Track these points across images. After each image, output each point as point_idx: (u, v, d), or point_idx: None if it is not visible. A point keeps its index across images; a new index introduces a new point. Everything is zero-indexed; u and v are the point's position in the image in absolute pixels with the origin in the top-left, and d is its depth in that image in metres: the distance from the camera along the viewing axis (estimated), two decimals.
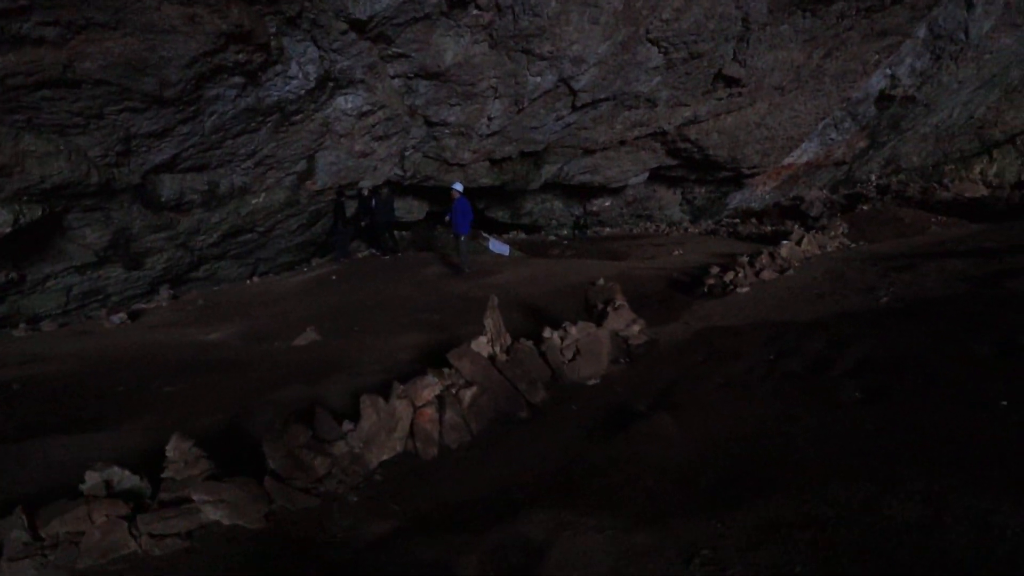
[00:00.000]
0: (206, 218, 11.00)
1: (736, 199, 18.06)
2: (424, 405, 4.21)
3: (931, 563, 2.34)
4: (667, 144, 14.71)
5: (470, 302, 8.12)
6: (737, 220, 17.98)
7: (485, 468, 4.00)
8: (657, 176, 16.71)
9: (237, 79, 9.07)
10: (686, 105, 13.31)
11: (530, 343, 5.24)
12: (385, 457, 4.02)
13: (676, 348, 6.06)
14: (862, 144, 16.86)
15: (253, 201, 11.48)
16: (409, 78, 11.10)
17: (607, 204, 17.82)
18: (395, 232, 14.01)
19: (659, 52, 11.63)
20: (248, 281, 12.63)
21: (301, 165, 11.59)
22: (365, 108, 11.12)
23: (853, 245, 11.06)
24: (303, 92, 10.11)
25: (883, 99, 15.25)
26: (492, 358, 4.87)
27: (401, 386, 4.26)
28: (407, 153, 12.93)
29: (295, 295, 9.93)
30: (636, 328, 5.84)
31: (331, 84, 10.48)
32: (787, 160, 16.54)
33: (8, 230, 8.38)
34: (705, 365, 5.52)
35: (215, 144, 9.93)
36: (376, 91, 10.93)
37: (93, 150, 8.67)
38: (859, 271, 8.25)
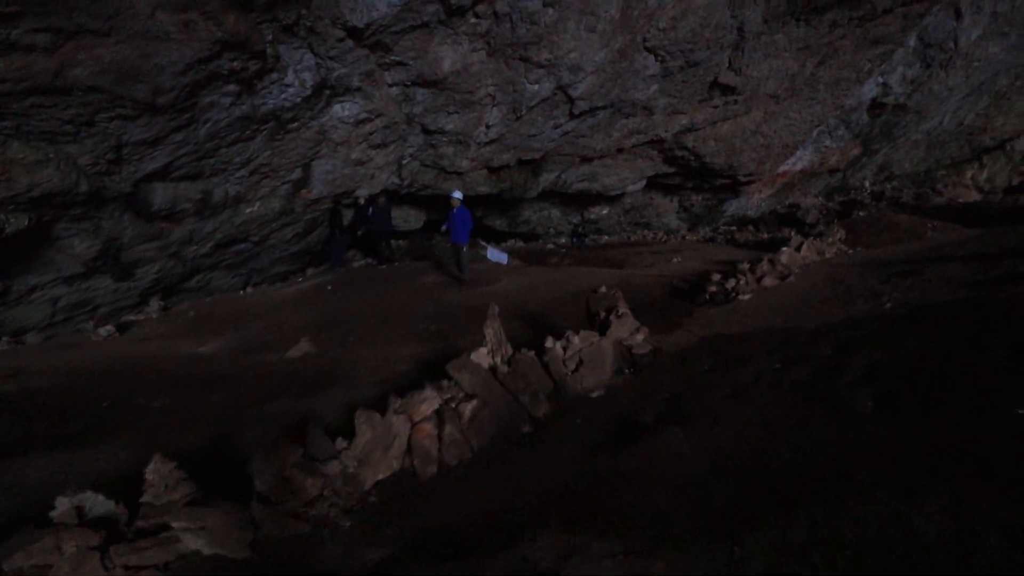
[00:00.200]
0: (199, 227, 10.81)
1: (732, 207, 18.04)
2: (422, 420, 4.05)
3: None
4: (664, 152, 14.68)
5: (469, 311, 7.97)
6: (734, 227, 17.97)
7: (487, 487, 3.83)
8: (654, 184, 16.67)
9: (232, 87, 8.94)
10: (683, 113, 13.28)
11: (532, 353, 5.09)
12: (381, 476, 3.85)
13: (681, 357, 5.92)
14: (855, 151, 16.90)
15: (247, 210, 11.31)
16: (407, 86, 11.01)
17: (605, 212, 17.77)
18: (392, 241, 13.86)
19: (656, 60, 11.61)
20: (241, 292, 12.43)
21: (297, 173, 11.44)
22: (362, 116, 11.01)
23: (851, 251, 11.01)
24: (299, 100, 9.99)
25: (875, 107, 15.30)
26: (493, 369, 4.71)
27: (398, 400, 4.10)
28: (404, 161, 12.82)
29: (289, 306, 9.75)
30: (640, 337, 5.70)
31: (328, 92, 10.37)
32: (782, 167, 16.55)
33: None
34: (711, 374, 5.38)
35: (209, 152, 9.78)
36: (373, 99, 10.83)
37: (83, 158, 8.50)
38: (860, 277, 8.16)
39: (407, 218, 15.49)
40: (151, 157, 9.12)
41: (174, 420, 5.20)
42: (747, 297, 7.94)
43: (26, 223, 8.39)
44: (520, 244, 18.09)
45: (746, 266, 8.91)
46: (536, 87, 11.50)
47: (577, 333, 5.49)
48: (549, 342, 5.29)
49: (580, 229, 17.95)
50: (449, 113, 11.68)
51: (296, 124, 10.42)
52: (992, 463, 3.01)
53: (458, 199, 10.38)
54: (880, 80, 14.23)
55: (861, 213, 13.70)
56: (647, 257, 13.66)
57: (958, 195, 13.96)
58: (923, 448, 3.32)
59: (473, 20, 9.93)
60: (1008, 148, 16.45)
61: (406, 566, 2.90)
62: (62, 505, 2.87)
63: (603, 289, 6.57)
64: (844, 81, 13.44)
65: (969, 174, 16.69)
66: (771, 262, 8.98)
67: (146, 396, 5.85)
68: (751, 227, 17.70)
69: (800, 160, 16.53)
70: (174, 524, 2.91)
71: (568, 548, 2.75)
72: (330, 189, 11.99)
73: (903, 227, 11.47)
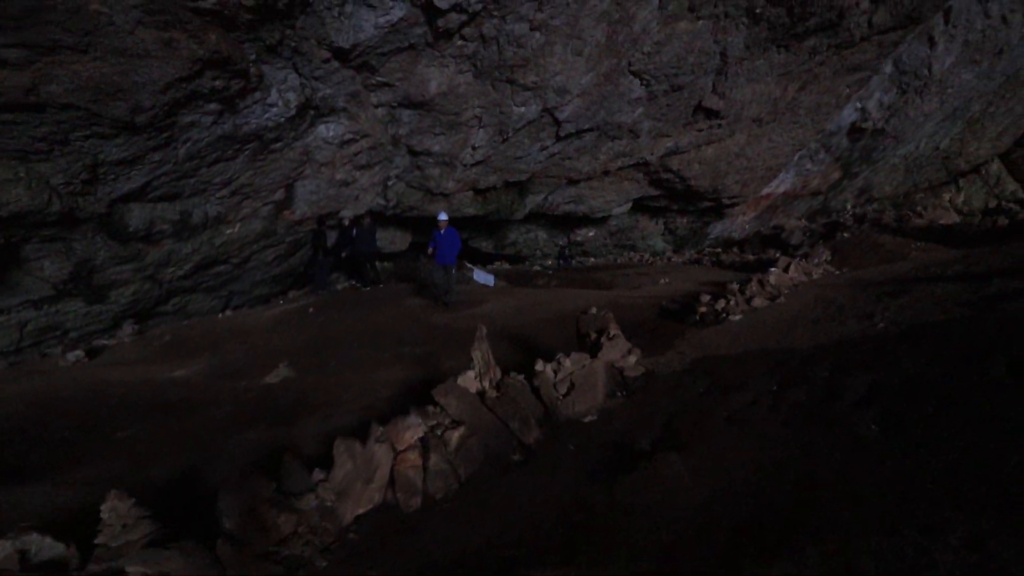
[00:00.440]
0: (177, 249, 10.51)
1: (717, 229, 18.16)
2: (406, 449, 3.80)
3: None
4: (650, 175, 14.76)
5: (456, 334, 7.74)
6: (719, 249, 18.05)
7: (475, 520, 3.57)
8: (640, 206, 16.74)
9: (213, 106, 8.78)
10: (668, 136, 13.39)
11: (521, 377, 4.88)
12: (361, 511, 3.58)
13: (674, 379, 5.74)
14: (836, 175, 17.18)
15: (228, 231, 11.04)
16: (393, 107, 10.95)
17: (591, 234, 17.76)
18: (377, 263, 13.63)
19: (641, 84, 11.72)
20: (220, 315, 12.06)
21: (279, 194, 11.24)
22: (347, 137, 10.89)
23: (838, 272, 11.01)
24: (283, 120, 9.85)
25: (855, 131, 15.62)
26: (481, 394, 4.49)
27: (380, 428, 3.85)
28: (390, 183, 12.70)
29: (269, 329, 9.43)
30: (632, 359, 5.53)
31: (312, 112, 10.26)
32: (766, 190, 16.74)
33: None
34: (707, 397, 5.20)
35: (189, 172, 9.56)
36: (359, 120, 10.73)
37: (56, 177, 8.22)
38: (850, 297, 8.10)
39: (392, 240, 15.31)
40: (128, 177, 8.87)
41: (140, 451, 4.88)
42: (738, 318, 7.82)
43: None
44: (506, 266, 17.96)
45: (736, 287, 8.83)
46: (523, 109, 11.52)
47: (568, 355, 5.30)
48: (539, 365, 5.09)
49: (567, 251, 17.90)
50: (435, 135, 11.62)
51: (279, 144, 10.26)
52: (1008, 489, 2.87)
53: (445, 220, 10.24)
54: (858, 105, 14.54)
55: (845, 234, 13.81)
56: (634, 279, 13.57)
57: (938, 217, 14.18)
58: (935, 474, 3.17)
59: (460, 43, 9.95)
60: (983, 172, 16.85)
61: None
62: (3, 550, 2.57)
63: (593, 310, 6.40)
64: (824, 106, 13.70)
65: (947, 197, 17.03)
66: (760, 283, 8.92)
67: (112, 425, 5.51)
68: (736, 249, 17.80)
69: (783, 183, 16.74)
70: (129, 569, 2.63)
71: None
72: (314, 210, 11.79)
73: (888, 248, 11.54)
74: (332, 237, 12.99)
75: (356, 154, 11.20)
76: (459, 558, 3.15)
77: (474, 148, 12.19)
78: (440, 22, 9.26)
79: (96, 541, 2.85)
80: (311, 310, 10.19)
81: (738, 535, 2.99)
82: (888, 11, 11.27)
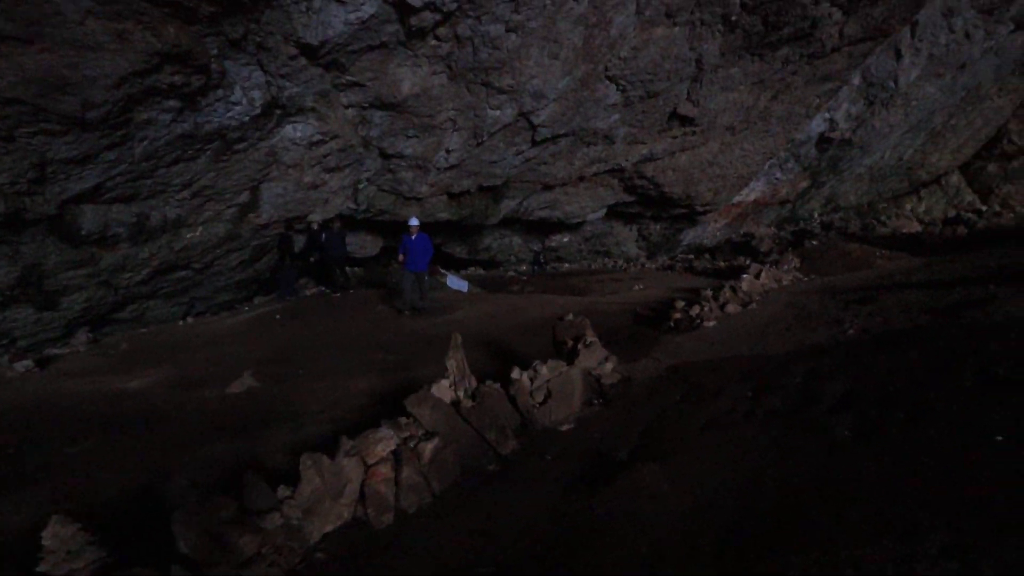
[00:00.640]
0: (133, 253, 10.04)
1: (689, 236, 18.37)
2: (377, 463, 3.61)
3: None
4: (624, 181, 14.83)
5: (429, 341, 7.56)
6: (691, 256, 18.27)
7: (450, 536, 3.42)
8: (614, 213, 16.82)
9: (172, 103, 8.42)
10: (643, 143, 13.48)
11: (497, 385, 4.74)
12: (329, 528, 3.38)
13: (651, 386, 5.68)
14: (804, 184, 17.59)
15: (188, 235, 10.61)
16: (364, 108, 10.71)
17: (566, 240, 17.77)
18: (347, 268, 13.32)
19: (617, 90, 11.76)
20: (181, 322, 11.58)
21: (244, 197, 10.86)
22: (316, 138, 10.60)
23: (807, 279, 11.22)
24: (247, 119, 9.52)
25: (823, 141, 16.01)
26: (456, 404, 4.33)
27: (350, 441, 3.66)
28: (361, 186, 12.42)
29: (233, 336, 9.07)
30: (609, 366, 5.44)
31: (279, 111, 9.95)
32: (737, 198, 17.02)
33: None
34: (684, 404, 5.15)
35: (146, 173, 9.14)
36: (328, 120, 10.46)
37: (0, 177, 7.75)
38: (820, 304, 8.22)
39: (363, 244, 15.00)
40: (79, 177, 8.43)
41: (92, 468, 4.56)
42: (711, 324, 7.85)
43: None
44: (481, 272, 17.82)
45: (709, 293, 8.89)
46: (498, 113, 11.42)
47: (544, 363, 5.18)
48: (515, 372, 4.96)
49: (541, 256, 17.86)
50: (408, 137, 11.42)
51: (244, 144, 9.92)
52: (983, 495, 2.86)
53: (416, 226, 10.04)
54: (827, 116, 14.90)
55: (814, 242, 14.11)
56: (609, 284, 13.60)
57: (901, 226, 14.61)
58: (912, 481, 3.14)
59: (434, 43, 9.80)
60: (943, 182, 17.46)
61: None
62: None
63: (570, 317, 6.31)
64: (795, 115, 14.00)
65: (909, 206, 17.59)
66: (733, 289, 8.99)
67: (62, 440, 5.16)
68: (708, 255, 18.04)
69: (753, 191, 17.05)
70: None
71: None
72: (281, 213, 11.43)
73: (854, 256, 11.82)
74: (300, 241, 12.64)
75: (325, 156, 10.92)
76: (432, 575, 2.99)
77: (448, 151, 12.03)
78: (413, 20, 9.10)
79: (38, 570, 2.61)
80: (278, 317, 9.85)
81: (721, 546, 2.91)
82: (859, 22, 11.57)
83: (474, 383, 4.66)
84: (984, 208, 15.73)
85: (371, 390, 5.91)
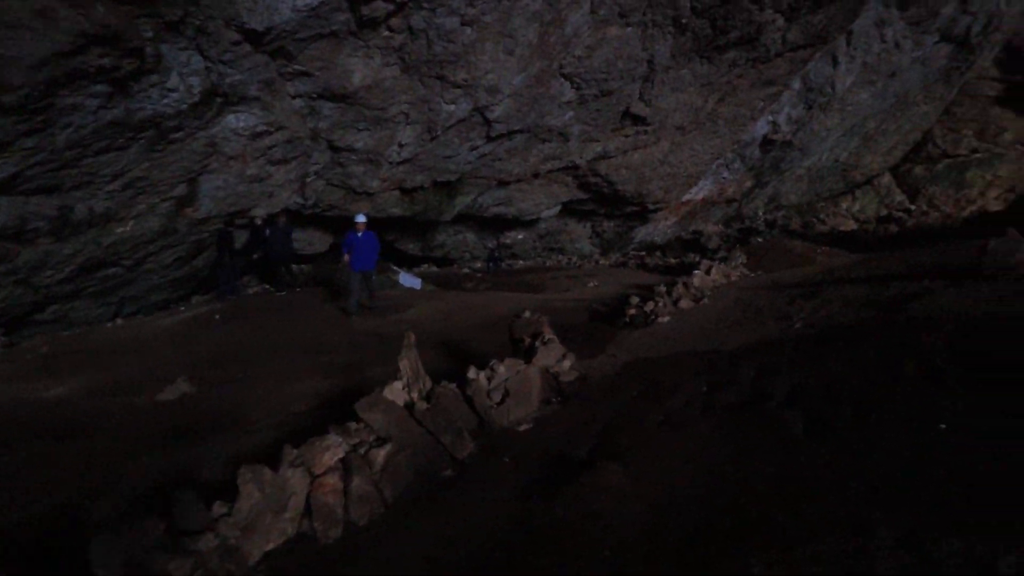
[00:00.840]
0: (56, 249, 9.24)
1: (641, 233, 18.69)
2: (325, 472, 3.38)
3: None
4: (579, 178, 14.90)
5: (380, 341, 7.29)
6: (643, 253, 18.60)
7: (403, 547, 3.23)
8: (568, 210, 16.89)
9: (101, 87, 7.78)
10: (597, 141, 13.55)
11: (453, 386, 4.57)
12: (271, 546, 3.13)
13: (608, 383, 5.65)
14: (749, 183, 18.20)
15: (118, 230, 9.87)
16: (312, 98, 10.26)
17: (520, 237, 17.72)
18: (294, 266, 12.75)
19: (572, 87, 11.76)
20: (109, 324, 10.79)
21: (180, 189, 10.20)
22: (260, 128, 10.08)
23: (753, 274, 11.58)
24: (185, 106, 8.93)
25: (766, 143, 16.60)
26: (409, 407, 4.13)
27: (294, 450, 3.41)
28: (308, 179, 11.92)
29: (167, 339, 8.48)
30: (567, 363, 5.37)
31: (219, 100, 9.39)
32: (686, 196, 17.43)
33: None
34: (641, 401, 5.13)
35: (70, 162, 8.42)
36: (273, 110, 9.96)
37: None
38: (768, 299, 8.45)
39: (311, 241, 14.44)
40: None
41: (3, 486, 4.10)
42: (666, 320, 7.94)
43: None
44: (434, 269, 17.51)
45: (663, 289, 9.00)
46: (452, 107, 11.20)
47: (502, 361, 5.05)
48: (472, 372, 4.80)
49: (496, 253, 17.74)
50: (359, 130, 11.04)
51: (181, 134, 9.30)
52: (933, 485, 2.93)
53: (363, 222, 9.65)
54: (770, 118, 15.45)
55: (759, 239, 14.61)
56: (564, 281, 13.62)
57: (838, 224, 15.34)
58: (864, 475, 3.20)
59: (387, 34, 9.49)
60: (876, 183, 18.45)
61: None
62: None
63: (527, 314, 6.21)
64: (741, 118, 14.42)
65: (845, 205, 18.49)
66: (685, 285, 9.14)
67: None
68: (659, 252, 18.41)
69: (702, 190, 17.50)
70: None
71: None
72: (221, 207, 10.81)
73: (797, 252, 12.28)
74: (243, 237, 12.01)
75: (270, 147, 10.40)
76: None
77: (401, 145, 11.71)
78: (365, 10, 8.77)
79: None
80: (217, 317, 9.30)
81: (685, 548, 2.86)
82: (800, 29, 12.01)
83: (429, 384, 4.47)
84: (913, 207, 16.75)
85: (318, 394, 5.61)
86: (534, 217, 16.20)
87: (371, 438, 3.75)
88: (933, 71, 16.18)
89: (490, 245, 17.86)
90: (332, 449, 3.47)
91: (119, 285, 10.94)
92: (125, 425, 5.20)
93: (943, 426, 3.54)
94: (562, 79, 11.45)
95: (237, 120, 9.87)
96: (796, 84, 14.99)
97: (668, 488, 3.44)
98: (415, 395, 4.25)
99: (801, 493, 3.15)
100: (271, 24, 8.49)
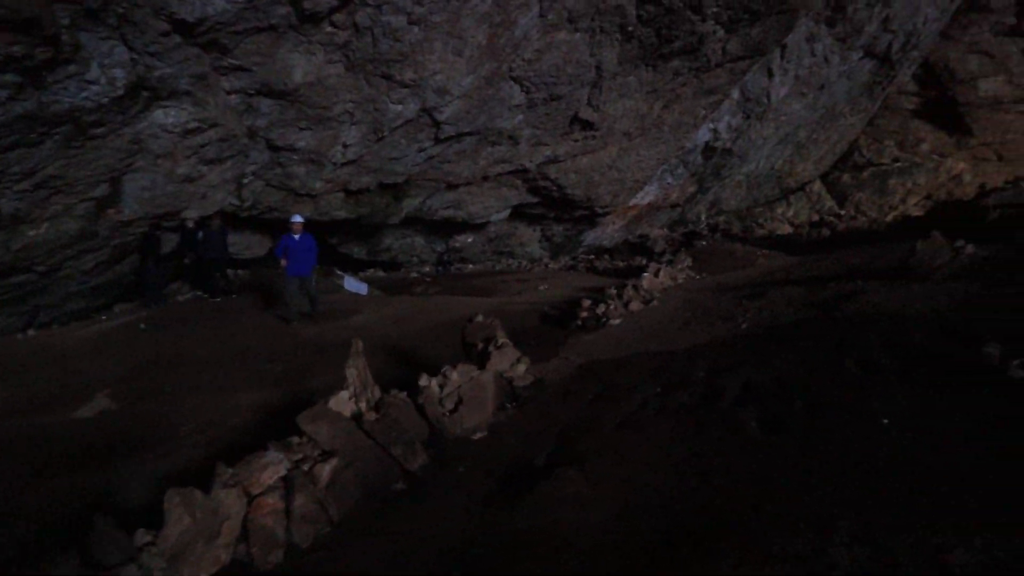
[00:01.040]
0: None
1: (590, 237, 18.91)
2: (264, 492, 3.11)
3: None
4: (529, 182, 14.89)
5: (325, 349, 6.93)
6: (592, 256, 18.81)
7: (351, 569, 3.00)
8: (518, 213, 16.85)
9: (11, 77, 7.08)
10: (546, 145, 13.58)
11: (403, 394, 4.36)
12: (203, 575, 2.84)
13: (563, 387, 5.57)
14: (692, 189, 18.77)
15: (30, 232, 9.01)
16: (249, 94, 9.73)
17: (470, 240, 17.53)
18: (229, 270, 12.03)
19: (522, 91, 11.72)
20: (20, 335, 9.83)
21: (102, 189, 9.43)
22: (192, 125, 9.45)
23: (698, 276, 11.89)
24: (106, 100, 8.25)
25: (708, 150, 17.18)
26: (357, 417, 3.89)
27: (229, 469, 3.12)
28: (245, 180, 11.30)
29: (86, 351, 7.78)
30: (522, 368, 5.26)
31: (146, 94, 8.75)
32: (633, 201, 17.76)
33: None
34: (597, 404, 5.09)
35: None
36: (207, 106, 9.37)
37: None
38: (714, 300, 8.66)
39: (249, 244, 13.71)
40: None
41: None
42: (617, 322, 7.97)
43: None
44: (381, 273, 17.04)
45: (613, 291, 9.06)
46: (400, 107, 10.91)
47: (454, 367, 4.88)
48: (424, 380, 4.60)
49: (445, 257, 17.47)
50: (301, 129, 10.56)
51: (102, 129, 8.60)
52: (883, 480, 3.00)
53: (299, 223, 9.03)
54: (712, 126, 15.98)
55: (703, 243, 15.05)
56: (514, 285, 13.55)
57: (775, 228, 16.04)
58: (819, 471, 3.25)
59: (330, 30, 9.12)
60: (808, 190, 19.46)
61: None
62: None
63: (480, 318, 6.05)
64: (684, 125, 14.84)
65: (780, 210, 19.39)
66: (635, 287, 9.25)
67: None
68: (607, 256, 18.68)
69: (648, 195, 17.89)
70: None
71: None
72: (148, 209, 10.06)
73: (739, 255, 12.71)
74: (172, 241, 11.24)
75: (203, 146, 9.77)
76: None
77: (345, 146, 11.30)
78: (307, 4, 8.40)
79: None
80: (143, 327, 8.62)
81: (649, 555, 2.79)
82: (739, 41, 12.48)
83: (378, 393, 4.24)
84: (842, 213, 17.80)
85: (257, 407, 5.24)
86: (484, 220, 16.06)
87: (315, 453, 3.50)
88: (858, 85, 17.27)
89: (439, 249, 17.58)
90: (272, 466, 3.20)
91: (32, 293, 9.97)
92: (36, 446, 4.66)
93: (886, 421, 3.65)
94: (512, 82, 11.40)
95: (166, 116, 9.22)
96: (735, 94, 15.60)
97: (630, 492, 3.37)
98: (363, 405, 4.01)
99: (762, 491, 3.16)
100: (204, 15, 7.98)
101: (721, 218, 19.63)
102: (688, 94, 13.81)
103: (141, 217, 10.18)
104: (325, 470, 3.35)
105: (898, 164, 18.82)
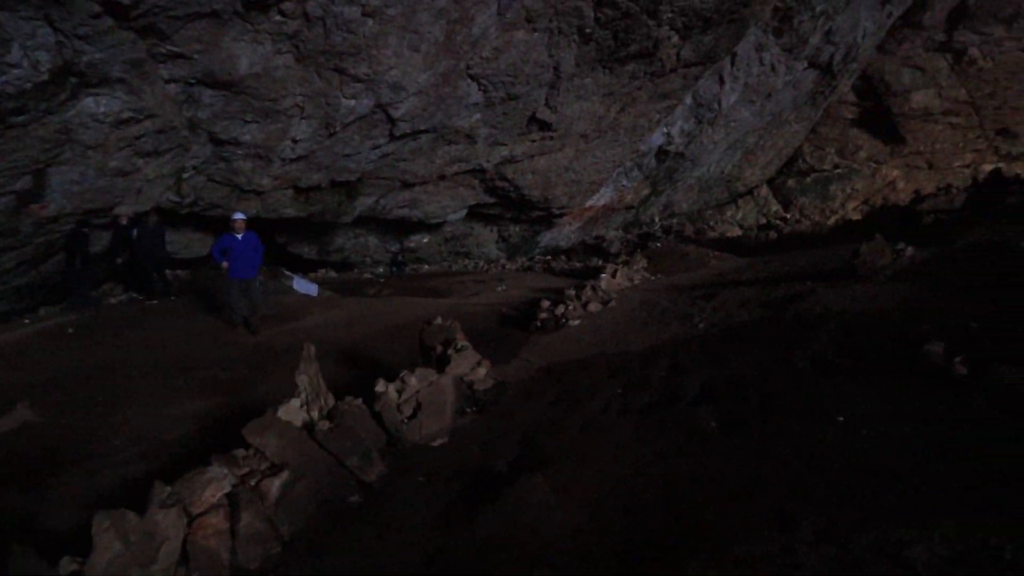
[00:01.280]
0: None
1: (547, 238, 18.96)
2: (206, 511, 2.86)
3: None
4: (486, 182, 14.76)
5: (273, 354, 6.58)
6: (549, 257, 18.88)
7: None
8: (475, 213, 16.70)
9: None
10: (504, 144, 13.49)
11: (359, 401, 4.15)
12: None
13: (525, 389, 5.48)
14: (646, 191, 19.12)
15: None
16: (190, 84, 9.19)
17: (425, 240, 17.24)
18: (167, 271, 11.29)
19: (479, 89, 11.58)
20: None
21: (24, 182, 8.69)
22: (126, 115, 8.85)
23: (653, 277, 12.07)
24: (29, 86, 7.62)
25: (661, 153, 17.53)
26: (309, 427, 3.67)
27: (167, 487, 2.85)
28: (186, 175, 10.68)
29: (6, 358, 7.10)
30: (482, 371, 5.13)
31: (74, 80, 8.13)
32: (589, 202, 17.93)
33: None
34: (559, 407, 5.02)
35: None
36: (143, 95, 8.78)
37: None
38: (671, 300, 8.78)
39: (189, 243, 12.96)
40: None
41: None
42: (576, 323, 7.96)
43: None
44: (332, 274, 16.51)
45: (572, 292, 9.05)
46: (353, 103, 10.56)
47: (412, 371, 4.70)
48: (380, 385, 4.41)
49: (400, 257, 17.10)
50: (246, 122, 10.06)
51: (24, 117, 7.94)
52: (842, 477, 3.04)
53: (242, 220, 8.16)
54: (665, 130, 16.31)
55: (657, 244, 15.32)
56: (471, 286, 13.38)
57: (726, 231, 16.54)
58: (780, 470, 3.27)
59: (278, 18, 8.72)
60: (755, 194, 20.18)
61: None
62: None
63: (438, 320, 5.88)
64: (639, 128, 15.07)
65: (729, 214, 20.02)
66: (593, 288, 9.27)
67: None
68: (564, 256, 18.78)
69: (603, 196, 18.09)
70: None
71: None
72: (76, 204, 9.35)
73: (692, 256, 12.98)
74: (105, 239, 10.48)
75: (138, 137, 9.15)
76: None
77: (295, 141, 10.85)
78: None
79: None
80: (70, 331, 7.96)
81: (617, 563, 2.72)
82: (692, 48, 12.77)
83: (331, 400, 4.02)
84: (788, 216, 18.55)
85: (200, 417, 4.89)
86: (440, 220, 15.82)
87: (263, 466, 3.26)
88: (802, 94, 18.04)
89: (393, 249, 17.19)
90: (215, 482, 2.95)
91: None
92: None
93: (841, 419, 3.73)
94: (469, 80, 11.24)
95: (97, 104, 8.58)
96: (688, 99, 15.97)
97: (595, 498, 3.31)
98: (316, 414, 3.79)
99: (726, 491, 3.15)
100: None
101: (674, 220, 20.08)
102: (643, 98, 14.03)
103: (69, 213, 9.46)
104: (274, 485, 3.12)
105: (838, 170, 19.80)
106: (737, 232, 16.70)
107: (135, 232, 10.13)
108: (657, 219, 20.07)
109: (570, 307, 8.42)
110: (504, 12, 10.32)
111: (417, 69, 10.41)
